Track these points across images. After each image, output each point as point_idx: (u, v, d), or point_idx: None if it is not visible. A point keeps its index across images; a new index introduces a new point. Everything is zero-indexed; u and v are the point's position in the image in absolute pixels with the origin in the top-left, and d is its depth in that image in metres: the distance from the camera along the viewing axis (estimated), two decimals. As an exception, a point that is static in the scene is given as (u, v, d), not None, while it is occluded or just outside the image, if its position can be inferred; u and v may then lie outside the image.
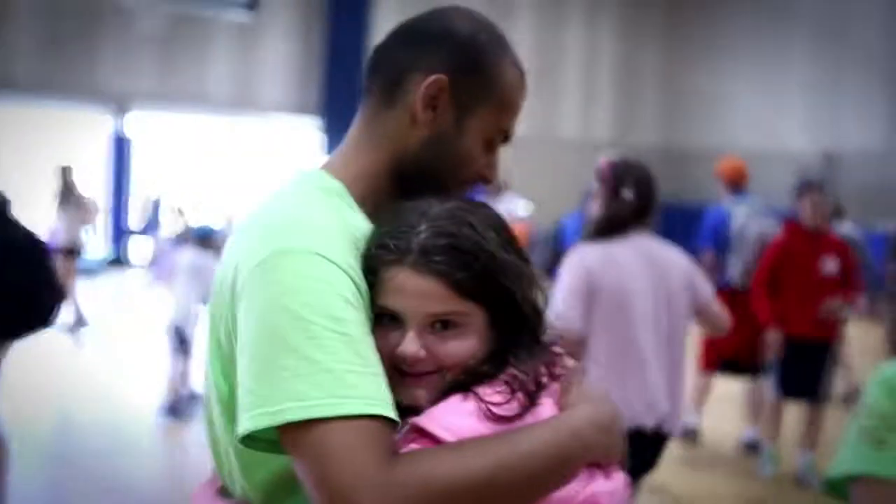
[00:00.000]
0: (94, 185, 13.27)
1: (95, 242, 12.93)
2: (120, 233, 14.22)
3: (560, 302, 3.12)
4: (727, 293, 5.53)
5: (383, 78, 1.26)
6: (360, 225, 1.17)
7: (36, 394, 6.49)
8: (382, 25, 16.31)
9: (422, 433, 1.06)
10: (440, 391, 1.11)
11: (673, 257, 3.33)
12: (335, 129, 14.38)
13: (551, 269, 6.14)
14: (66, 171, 9.39)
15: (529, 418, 1.09)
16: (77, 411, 6.29)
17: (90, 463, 5.10)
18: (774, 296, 5.13)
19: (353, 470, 0.97)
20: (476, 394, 1.08)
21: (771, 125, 17.33)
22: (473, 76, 1.24)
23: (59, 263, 8.98)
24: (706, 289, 3.39)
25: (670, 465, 5.37)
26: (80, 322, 8.90)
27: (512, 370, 1.11)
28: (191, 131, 15.43)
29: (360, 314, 1.07)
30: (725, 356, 5.69)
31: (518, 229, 9.43)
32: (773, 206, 6.50)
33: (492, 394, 1.08)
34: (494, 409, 1.06)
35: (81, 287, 10.72)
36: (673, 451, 5.64)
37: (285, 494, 1.12)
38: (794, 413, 5.49)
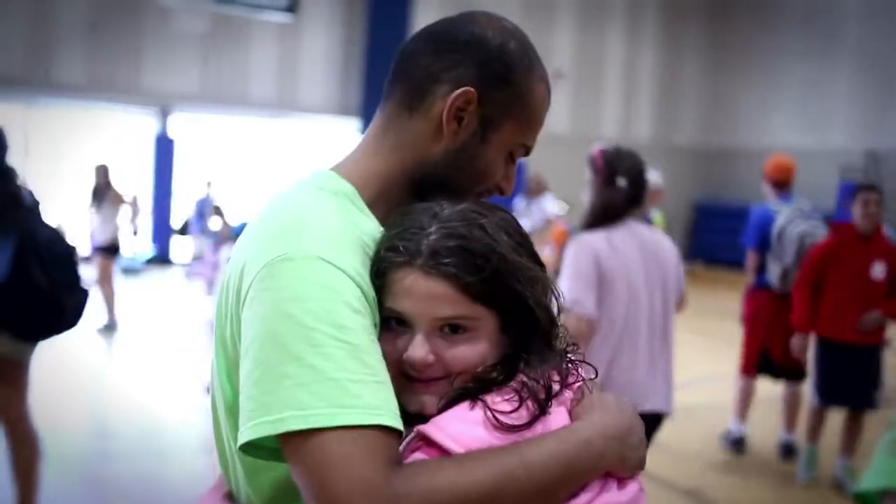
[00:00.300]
0: (138, 184, 13.48)
1: (138, 242, 13.14)
2: (163, 232, 14.42)
3: (571, 289, 3.17)
4: (767, 295, 5.46)
5: (407, 84, 1.23)
6: (370, 228, 1.15)
7: (70, 394, 6.55)
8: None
9: (428, 442, 1.02)
10: (448, 398, 1.07)
11: (664, 242, 3.46)
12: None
13: None
14: (102, 171, 9.35)
15: (539, 427, 1.05)
16: (111, 412, 6.33)
17: (124, 464, 5.15)
18: (816, 298, 5.00)
19: (353, 480, 0.95)
20: (484, 402, 1.04)
21: (813, 124, 17.08)
22: (501, 89, 1.21)
23: (97, 263, 9.14)
24: (681, 270, 3.54)
25: (707, 469, 5.31)
26: (111, 325, 8.91)
27: (522, 377, 1.08)
28: (233, 132, 15.59)
29: (365, 321, 1.04)
30: (767, 359, 5.58)
31: (556, 230, 9.37)
32: (816, 206, 6.35)
33: (500, 402, 1.04)
34: (502, 418, 1.03)
35: (123, 286, 10.85)
36: (714, 456, 5.60)
37: (288, 502, 1.11)
38: (836, 417, 5.38)
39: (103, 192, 9.28)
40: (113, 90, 13.99)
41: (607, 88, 18.56)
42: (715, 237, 17.78)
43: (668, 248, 3.44)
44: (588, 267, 3.21)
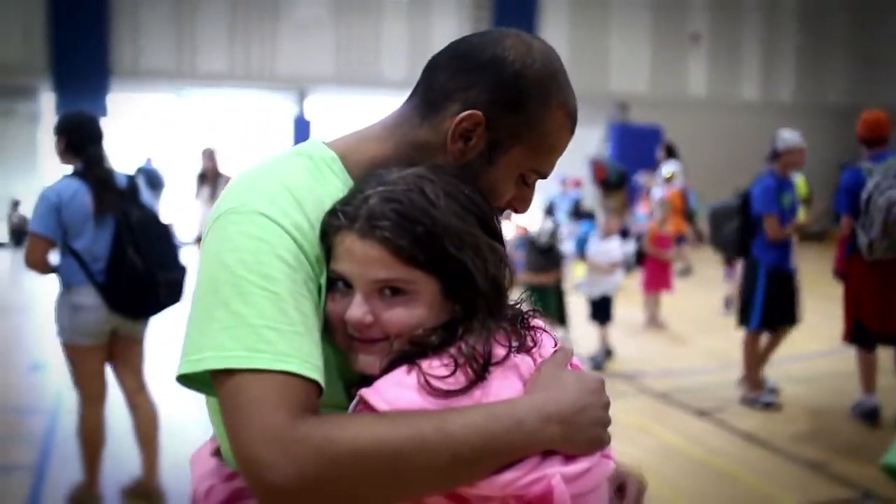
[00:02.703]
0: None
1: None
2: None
3: None
4: (858, 260, 4.91)
5: (425, 94, 1.23)
6: (338, 193, 1.16)
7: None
8: (550, 1, 16.14)
9: (367, 406, 1.03)
10: (388, 360, 1.08)
11: None
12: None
13: (741, 239, 5.88)
14: (208, 154, 9.47)
15: (478, 394, 1.04)
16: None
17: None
18: None
19: (258, 422, 0.98)
20: (419, 366, 1.04)
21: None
22: (512, 114, 1.20)
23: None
24: None
25: (835, 442, 5.04)
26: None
27: (460, 343, 1.07)
28: (366, 111, 15.90)
29: (296, 275, 1.07)
30: (860, 328, 5.20)
31: (671, 192, 9.17)
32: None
33: (437, 366, 1.04)
34: (435, 383, 1.02)
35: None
36: (844, 428, 5.31)
37: None
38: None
39: (212, 177, 9.30)
40: (252, 76, 14.54)
41: (746, 49, 17.80)
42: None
43: None
44: None
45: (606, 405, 1.13)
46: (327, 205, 1.13)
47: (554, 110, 1.22)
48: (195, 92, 14.54)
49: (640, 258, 8.76)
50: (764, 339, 5.87)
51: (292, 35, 14.70)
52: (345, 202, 1.11)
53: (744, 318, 5.82)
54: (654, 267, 8.35)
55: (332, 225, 1.10)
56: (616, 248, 6.98)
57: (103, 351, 3.83)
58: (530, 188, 1.27)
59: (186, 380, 1.07)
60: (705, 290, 10.42)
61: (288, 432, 0.97)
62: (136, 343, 3.95)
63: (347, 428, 0.99)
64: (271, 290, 1.04)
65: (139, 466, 4.06)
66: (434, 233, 1.07)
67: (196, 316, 1.07)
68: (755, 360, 5.85)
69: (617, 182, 13.55)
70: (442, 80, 1.22)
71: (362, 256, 1.07)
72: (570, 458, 1.06)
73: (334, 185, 1.17)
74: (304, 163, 1.18)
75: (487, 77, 1.20)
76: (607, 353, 6.96)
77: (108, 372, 3.93)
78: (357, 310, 1.08)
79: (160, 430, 4.04)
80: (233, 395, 1.00)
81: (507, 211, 1.29)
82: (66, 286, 3.71)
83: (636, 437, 5.05)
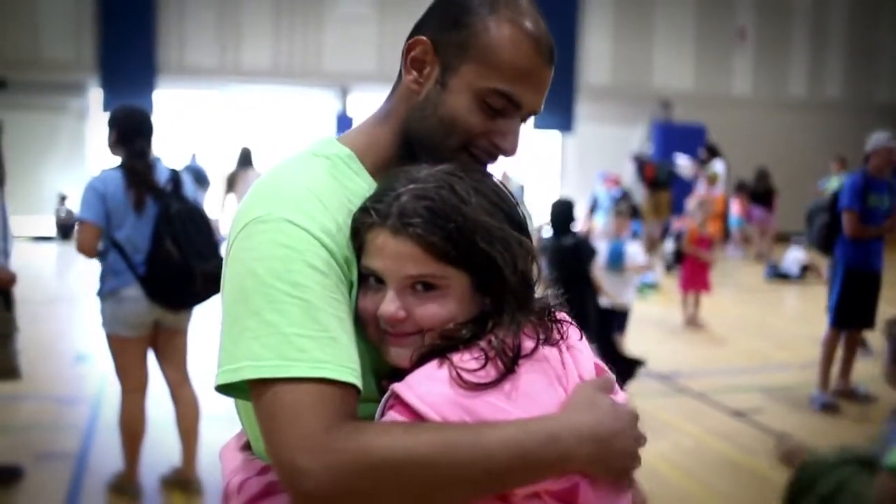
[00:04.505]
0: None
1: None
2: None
3: None
4: None
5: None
6: (363, 190, 1.18)
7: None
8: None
9: (399, 400, 1.05)
10: (420, 353, 1.10)
11: None
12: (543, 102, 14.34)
13: (827, 235, 5.79)
14: (245, 155, 9.50)
15: (508, 386, 1.06)
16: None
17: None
18: None
19: (296, 430, 1.00)
20: (450, 359, 1.06)
21: None
22: (455, 31, 1.19)
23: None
24: None
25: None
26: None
27: (490, 337, 1.09)
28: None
29: (326, 280, 1.08)
30: None
31: (715, 199, 8.90)
32: None
33: (468, 360, 1.06)
34: (466, 376, 1.04)
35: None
36: None
37: None
38: None
39: (236, 174, 9.27)
40: (296, 73, 14.67)
41: (794, 46, 17.51)
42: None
43: None
44: None
45: (638, 438, 1.13)
46: (353, 204, 1.15)
47: (502, 23, 1.19)
48: (239, 88, 14.71)
49: (680, 257, 8.67)
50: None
51: (336, 31, 14.80)
52: (376, 199, 1.12)
53: (828, 316, 5.84)
54: (692, 267, 8.27)
55: (364, 222, 1.12)
56: (637, 252, 6.51)
57: (146, 342, 3.89)
58: (506, 119, 1.22)
59: (225, 389, 1.10)
60: (745, 293, 10.28)
61: (323, 440, 0.99)
62: (179, 335, 4.00)
63: (383, 438, 1.00)
64: (303, 298, 1.05)
65: (179, 457, 4.13)
66: (465, 229, 1.09)
67: (228, 326, 1.09)
68: (826, 359, 5.81)
69: (665, 181, 13.46)
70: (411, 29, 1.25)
71: (395, 253, 1.09)
72: (596, 485, 1.08)
73: (356, 184, 1.19)
74: (324, 164, 1.19)
75: (438, 4, 1.24)
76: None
77: (152, 363, 3.99)
78: (390, 305, 1.10)
79: (200, 422, 4.11)
80: (269, 404, 1.03)
81: (500, 156, 1.25)
82: (109, 277, 3.78)
83: (671, 435, 5.03)
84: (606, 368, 1.22)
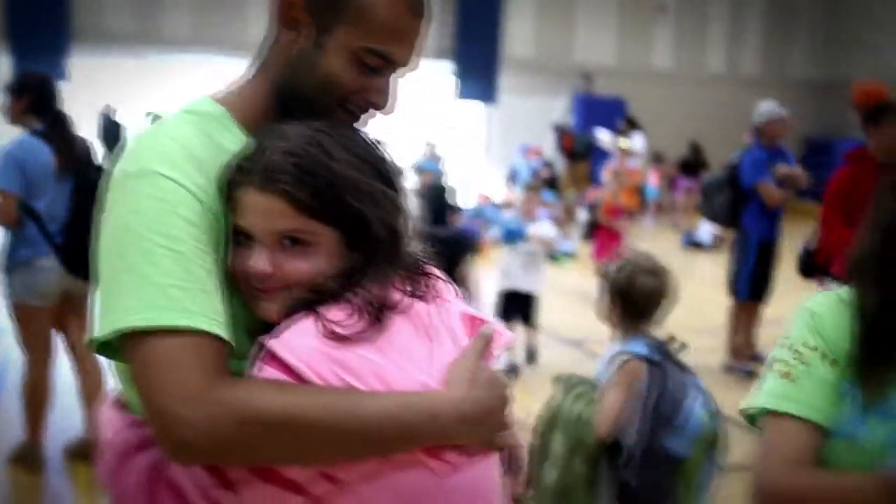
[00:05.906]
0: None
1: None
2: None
3: None
4: None
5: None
6: (235, 147, 1.18)
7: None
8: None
9: (272, 354, 1.07)
10: (289, 307, 1.12)
11: None
12: (467, 73, 14.41)
13: (732, 211, 5.85)
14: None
15: (383, 342, 1.09)
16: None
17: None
18: None
19: (173, 382, 1.00)
20: (318, 312, 1.09)
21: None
22: None
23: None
24: None
25: None
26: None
27: (358, 289, 1.11)
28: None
29: (199, 233, 1.09)
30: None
31: (631, 172, 8.95)
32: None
33: (335, 312, 1.08)
34: (333, 328, 1.07)
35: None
36: None
37: None
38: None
39: None
40: (219, 42, 14.39)
41: (713, 21, 17.85)
42: (828, 174, 16.96)
43: None
44: None
45: (509, 410, 1.18)
46: (225, 160, 1.15)
47: None
48: (158, 58, 14.36)
49: (594, 227, 8.86)
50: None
51: (259, 1, 14.53)
52: (244, 157, 1.13)
53: (733, 289, 5.94)
54: (606, 236, 8.46)
55: (233, 180, 1.13)
56: (547, 228, 6.23)
57: (52, 312, 3.87)
58: (380, 76, 1.24)
59: (104, 349, 1.10)
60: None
61: (205, 392, 1.00)
62: (86, 305, 3.97)
63: (265, 395, 1.02)
64: (176, 250, 1.06)
65: (82, 427, 4.10)
66: (333, 184, 1.11)
67: (106, 282, 1.09)
68: (741, 330, 5.97)
69: (583, 152, 13.65)
70: None
71: (263, 209, 1.10)
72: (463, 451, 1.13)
73: (229, 140, 1.19)
74: (197, 120, 1.19)
75: None
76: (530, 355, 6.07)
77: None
78: (258, 261, 1.11)
79: (105, 392, 4.06)
80: (144, 354, 1.03)
81: (374, 111, 1.27)
82: (22, 247, 3.72)
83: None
84: (486, 320, 1.25)
